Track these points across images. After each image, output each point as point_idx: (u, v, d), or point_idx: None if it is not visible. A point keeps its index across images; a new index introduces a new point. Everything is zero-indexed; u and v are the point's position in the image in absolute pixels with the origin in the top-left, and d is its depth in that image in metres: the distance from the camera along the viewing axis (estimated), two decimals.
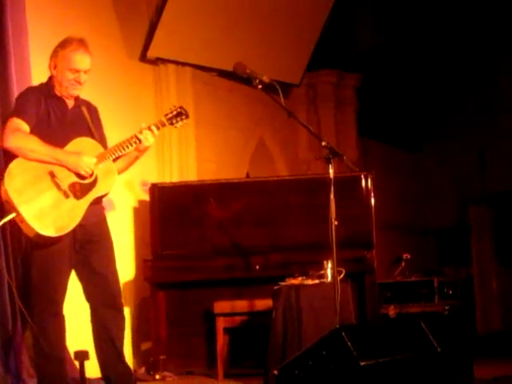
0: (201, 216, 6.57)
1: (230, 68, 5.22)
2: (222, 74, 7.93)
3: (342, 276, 5.28)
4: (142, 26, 7.21)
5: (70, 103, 4.91)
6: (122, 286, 6.57)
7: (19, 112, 4.73)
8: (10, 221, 4.63)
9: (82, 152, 4.73)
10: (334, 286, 4.89)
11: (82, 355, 4.71)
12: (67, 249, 4.74)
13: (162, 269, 6.43)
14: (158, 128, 4.94)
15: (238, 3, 7.79)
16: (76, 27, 6.50)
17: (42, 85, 4.92)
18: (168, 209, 6.58)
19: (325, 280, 5.55)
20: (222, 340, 6.19)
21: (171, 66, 7.48)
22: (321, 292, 5.45)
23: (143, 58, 7.23)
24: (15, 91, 5.63)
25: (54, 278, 4.76)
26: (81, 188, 4.69)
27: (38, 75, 5.88)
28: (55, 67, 4.84)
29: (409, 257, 7.81)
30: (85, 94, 6.57)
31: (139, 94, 7.22)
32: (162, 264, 6.45)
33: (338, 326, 4.46)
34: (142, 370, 6.53)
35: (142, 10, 7.26)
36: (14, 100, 5.59)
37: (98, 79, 6.64)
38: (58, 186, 4.64)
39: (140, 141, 4.86)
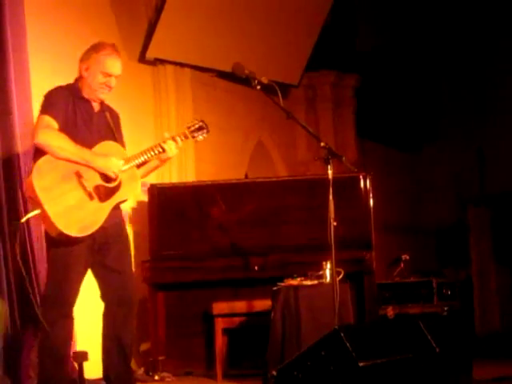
0: (200, 217, 6.57)
1: (228, 69, 5.22)
2: (221, 74, 7.93)
3: (340, 277, 5.29)
4: (140, 27, 7.22)
5: (96, 107, 4.93)
6: None
7: (49, 109, 4.74)
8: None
9: (109, 155, 4.77)
10: (333, 287, 4.89)
11: (81, 356, 4.70)
12: (85, 250, 4.75)
13: (161, 269, 6.43)
14: (182, 140, 4.99)
15: (237, 4, 7.80)
16: (75, 28, 6.51)
17: (69, 85, 4.93)
18: (167, 209, 6.58)
19: (324, 281, 5.56)
20: (220, 341, 6.19)
21: (170, 67, 7.48)
22: (320, 293, 5.45)
23: (142, 59, 7.24)
24: (14, 92, 5.63)
25: (69, 278, 4.76)
26: (105, 191, 4.72)
27: (37, 75, 5.89)
28: (87, 69, 4.86)
29: (408, 257, 7.80)
30: None
31: (138, 94, 7.22)
32: (160, 265, 6.45)
33: (336, 327, 4.46)
34: (141, 370, 6.53)
35: (140, 11, 7.26)
36: (12, 98, 5.62)
37: None
38: (83, 187, 4.65)
39: (164, 150, 4.90)
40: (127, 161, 4.80)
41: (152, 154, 4.87)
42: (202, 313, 6.48)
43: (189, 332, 6.63)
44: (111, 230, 4.80)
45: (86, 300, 6.32)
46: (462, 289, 7.99)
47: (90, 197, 4.66)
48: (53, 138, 4.66)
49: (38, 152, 4.71)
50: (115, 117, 5.05)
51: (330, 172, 4.88)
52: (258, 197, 6.58)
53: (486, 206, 8.63)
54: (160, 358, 6.42)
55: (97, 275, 4.90)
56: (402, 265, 7.81)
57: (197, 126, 5.07)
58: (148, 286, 6.49)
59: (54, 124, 4.70)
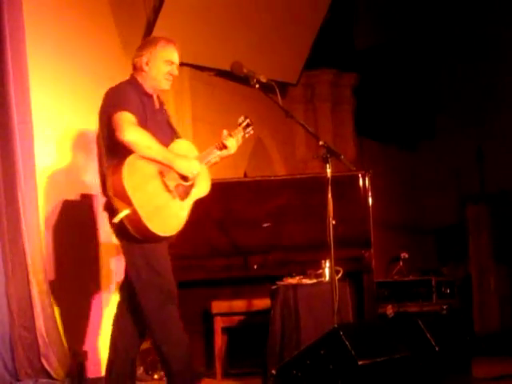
0: (199, 215, 6.54)
1: (227, 67, 5.21)
2: (220, 73, 7.93)
3: (339, 275, 5.29)
4: (139, 25, 7.20)
5: (156, 103, 4.93)
6: (119, 286, 6.60)
7: (125, 105, 4.67)
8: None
9: (186, 155, 4.79)
10: (332, 286, 4.89)
11: (81, 355, 4.71)
12: (167, 247, 4.77)
13: None
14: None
15: (236, 3, 7.79)
16: (73, 26, 6.51)
17: (130, 81, 4.87)
18: None
19: (323, 279, 5.56)
20: (220, 340, 6.19)
21: None
22: (319, 291, 5.45)
23: None
24: (12, 89, 5.61)
25: (166, 272, 4.74)
26: (183, 189, 4.75)
27: (35, 71, 5.89)
28: (148, 63, 4.83)
29: (407, 256, 7.81)
30: (82, 92, 6.58)
31: None
32: None
33: (336, 326, 4.46)
34: (141, 369, 6.52)
35: (139, 10, 7.25)
36: (11, 98, 5.60)
37: (95, 78, 6.65)
38: (166, 187, 4.66)
39: (226, 147, 4.99)
40: (199, 159, 4.86)
41: (217, 151, 4.97)
42: (202, 312, 6.47)
43: (188, 331, 6.60)
44: None
45: (87, 300, 6.34)
46: (461, 287, 8.00)
47: (173, 196, 4.68)
48: (142, 136, 4.61)
49: (118, 149, 4.63)
50: (168, 113, 5.07)
51: (328, 170, 4.88)
52: (257, 195, 6.56)
53: (486, 204, 8.64)
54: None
55: None
56: (401, 263, 7.81)
57: (245, 122, 5.16)
58: None
59: (135, 120, 4.64)
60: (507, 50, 10.40)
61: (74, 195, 6.39)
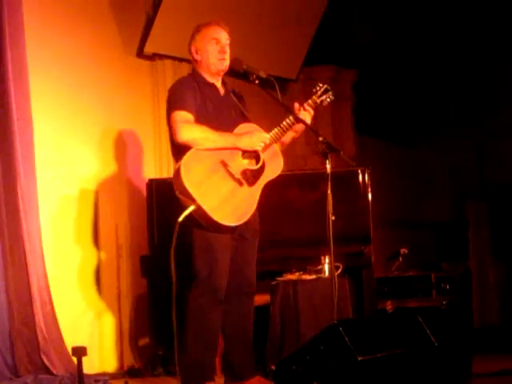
0: None
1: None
2: None
3: (339, 271, 5.30)
4: (138, 21, 7.20)
5: (221, 90, 4.96)
6: (119, 281, 6.61)
7: (180, 104, 4.75)
8: None
9: (249, 131, 4.81)
10: (332, 281, 4.90)
11: (80, 351, 4.71)
12: (229, 238, 4.78)
13: (160, 264, 6.42)
14: (313, 108, 5.01)
15: None
16: (72, 22, 6.51)
17: (191, 74, 4.97)
18: (165, 204, 6.55)
19: (322, 275, 5.57)
20: (220, 335, 6.18)
21: (168, 62, 7.46)
22: (318, 287, 5.46)
23: (140, 53, 7.21)
24: (11, 85, 5.60)
25: (221, 264, 4.76)
26: (252, 174, 4.77)
27: (35, 66, 5.89)
28: (197, 51, 4.91)
29: (406, 252, 7.81)
30: (81, 89, 6.58)
31: (136, 89, 7.21)
32: (159, 259, 6.43)
33: (335, 321, 4.46)
34: (140, 365, 6.53)
35: (138, 6, 7.25)
36: (11, 95, 5.60)
37: (94, 75, 6.66)
38: (231, 175, 4.68)
39: (298, 121, 4.93)
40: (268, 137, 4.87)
41: (289, 128, 4.93)
42: None
43: None
44: (251, 218, 4.81)
45: (87, 296, 6.34)
46: (460, 283, 8.00)
47: (240, 183, 4.69)
48: (195, 130, 4.68)
49: (179, 150, 4.70)
50: (240, 98, 5.08)
51: (328, 166, 4.88)
52: None
53: (485, 200, 8.65)
54: (159, 352, 6.41)
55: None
56: (401, 259, 7.82)
57: (323, 88, 5.04)
58: (147, 281, 6.48)
59: (190, 117, 4.71)
60: (509, 45, 10.39)
61: (74, 191, 6.39)
